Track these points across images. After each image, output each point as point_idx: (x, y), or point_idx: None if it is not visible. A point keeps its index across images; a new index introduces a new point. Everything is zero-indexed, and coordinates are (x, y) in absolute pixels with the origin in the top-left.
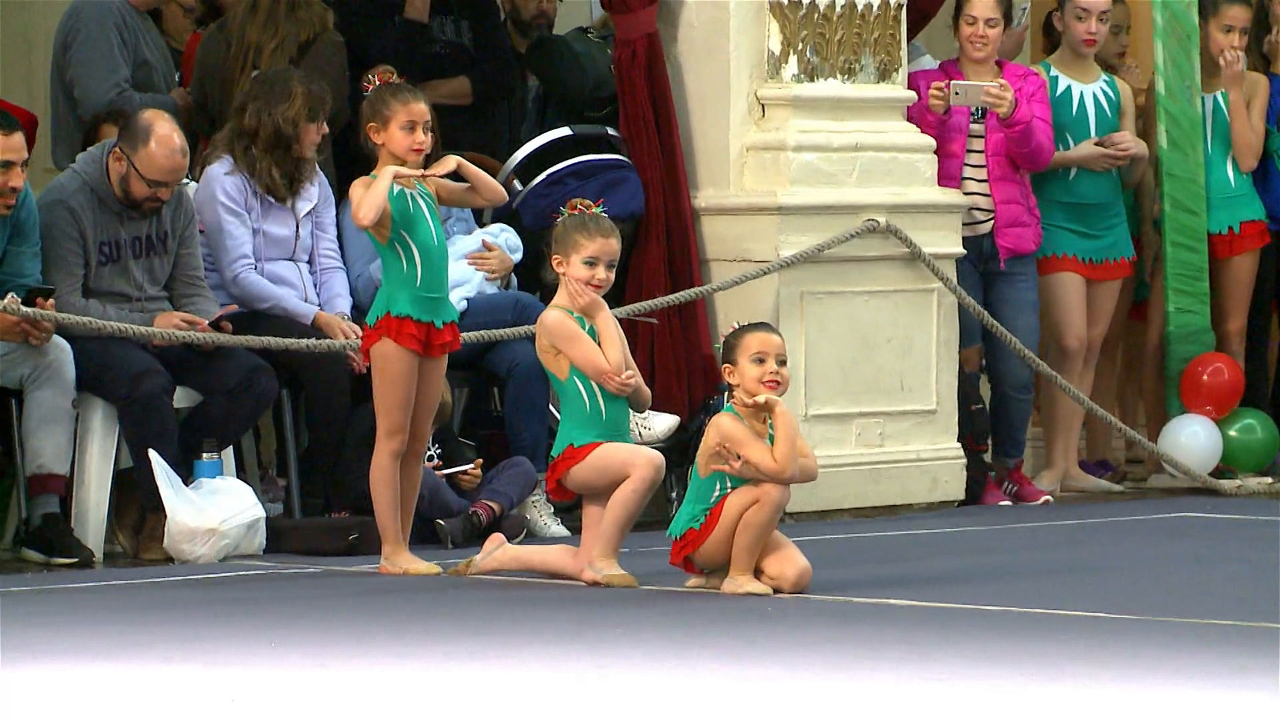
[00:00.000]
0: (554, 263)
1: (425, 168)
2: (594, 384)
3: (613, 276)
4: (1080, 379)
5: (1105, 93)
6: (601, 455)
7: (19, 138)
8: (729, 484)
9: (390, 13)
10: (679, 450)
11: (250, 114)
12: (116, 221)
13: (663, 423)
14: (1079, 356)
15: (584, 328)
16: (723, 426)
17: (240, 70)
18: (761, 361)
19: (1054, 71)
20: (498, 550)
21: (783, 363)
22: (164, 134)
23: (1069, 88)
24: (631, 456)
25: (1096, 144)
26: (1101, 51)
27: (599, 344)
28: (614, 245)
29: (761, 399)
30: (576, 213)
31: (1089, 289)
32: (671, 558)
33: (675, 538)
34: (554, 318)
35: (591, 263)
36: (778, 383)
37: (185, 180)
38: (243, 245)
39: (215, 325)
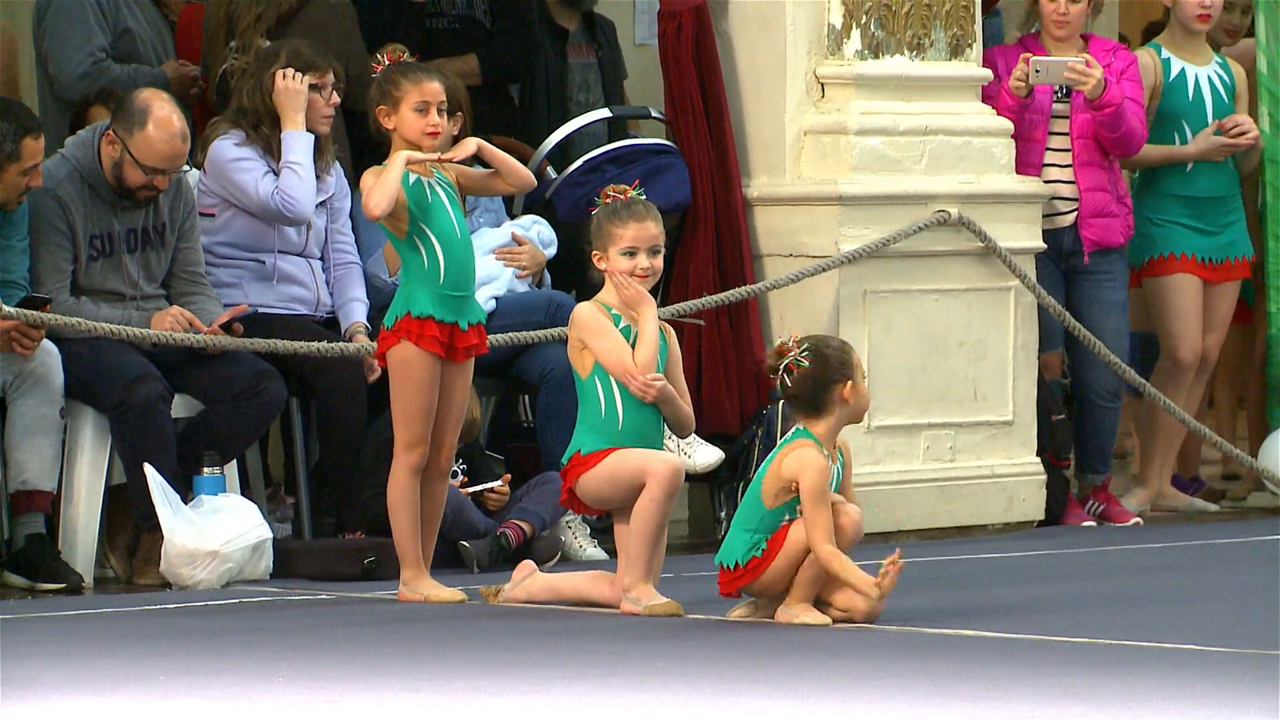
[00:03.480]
0: (595, 260)
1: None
2: (614, 387)
3: (659, 263)
4: (1189, 392)
5: (1220, 76)
6: (612, 463)
7: (42, 140)
8: (798, 511)
9: None
10: (727, 466)
11: (247, 92)
12: (109, 212)
13: (706, 455)
14: (1192, 369)
15: (618, 325)
16: (814, 478)
17: (223, 44)
18: (633, 255)
19: (1165, 53)
20: (528, 579)
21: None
22: (163, 116)
23: (1183, 71)
24: (645, 463)
25: (1213, 132)
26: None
27: (633, 344)
28: (652, 228)
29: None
30: (609, 201)
31: (1206, 292)
32: (723, 587)
33: (728, 566)
34: (585, 310)
35: (630, 252)
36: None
37: (185, 167)
38: (271, 178)
39: (226, 328)
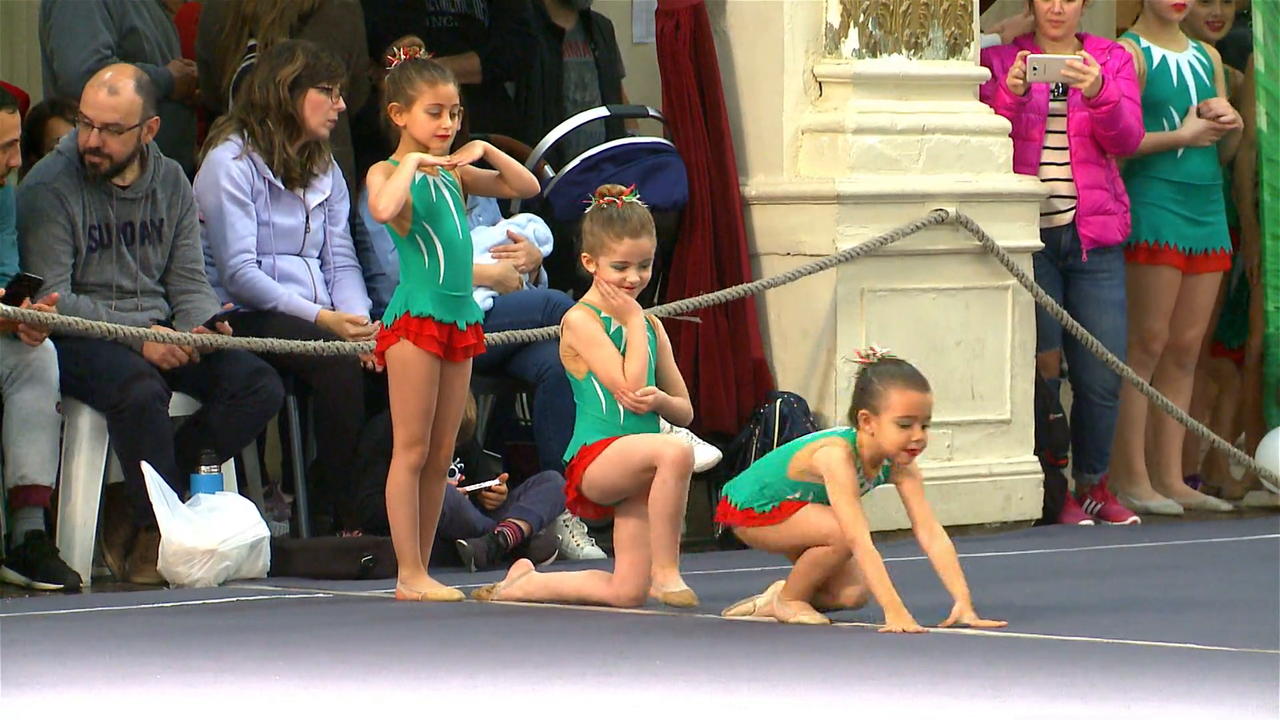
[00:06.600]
0: (584, 261)
1: (450, 153)
2: None
3: (648, 275)
4: (1177, 386)
5: (1199, 60)
6: (620, 449)
7: (17, 115)
8: (812, 495)
9: None
10: (725, 464)
11: (258, 85)
12: (105, 202)
13: (703, 455)
14: (1156, 360)
15: (609, 329)
16: (834, 468)
17: (236, 45)
18: (907, 427)
19: (1144, 43)
20: (523, 578)
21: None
22: (105, 72)
23: (1164, 58)
24: (655, 449)
25: (1198, 116)
26: (1192, 20)
27: (625, 350)
28: (645, 245)
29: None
30: (605, 203)
31: (1185, 284)
32: (720, 514)
33: (733, 503)
34: (578, 318)
35: (621, 266)
36: (916, 451)
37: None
38: (245, 238)
39: (212, 325)
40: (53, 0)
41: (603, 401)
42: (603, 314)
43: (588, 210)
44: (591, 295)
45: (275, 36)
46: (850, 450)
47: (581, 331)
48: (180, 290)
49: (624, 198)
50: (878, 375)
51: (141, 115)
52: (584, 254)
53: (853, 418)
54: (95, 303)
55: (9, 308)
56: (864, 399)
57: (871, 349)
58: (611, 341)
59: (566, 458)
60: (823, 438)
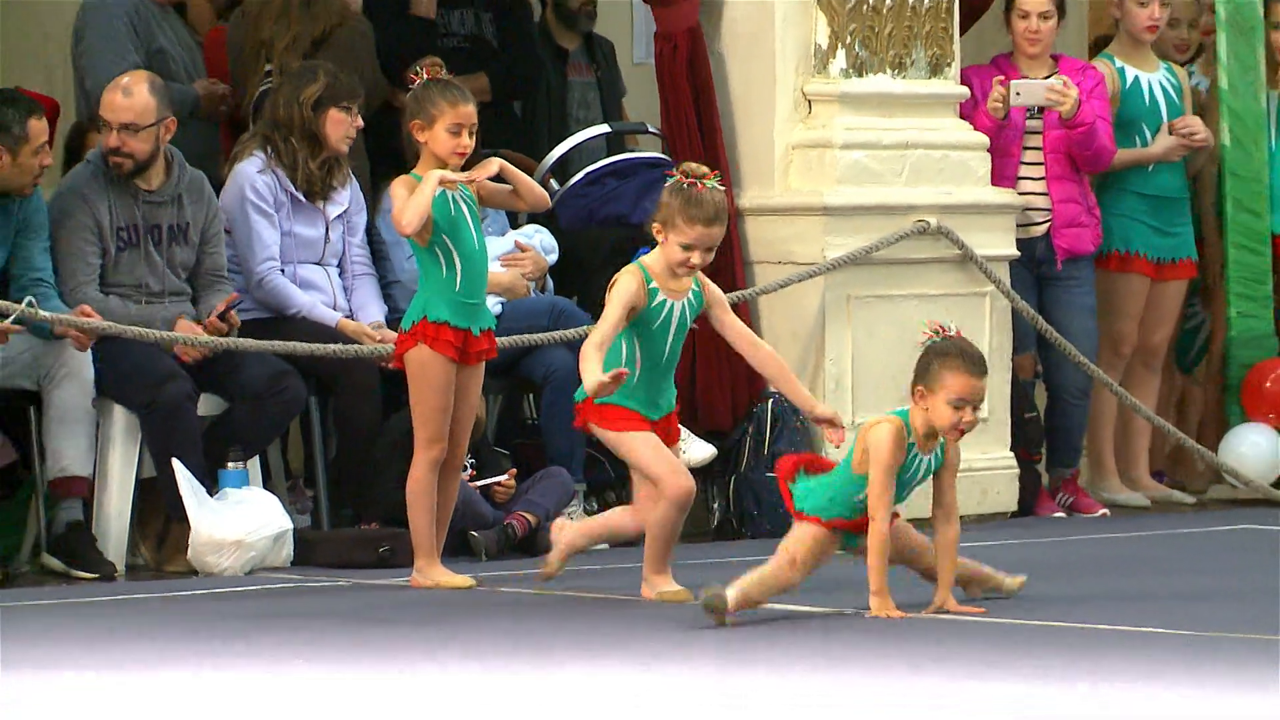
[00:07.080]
0: (654, 229)
1: (465, 169)
2: (636, 346)
3: (710, 258)
4: (1145, 386)
5: (1169, 80)
6: (637, 450)
7: (45, 120)
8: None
9: (400, 6)
10: (720, 461)
11: (282, 104)
12: (132, 205)
13: (700, 452)
14: (1124, 363)
15: (655, 298)
16: (880, 444)
17: (254, 67)
18: (959, 408)
19: (1119, 63)
20: (564, 534)
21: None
22: (122, 78)
23: (1137, 78)
24: (664, 474)
25: (1169, 133)
26: (1161, 44)
27: (657, 321)
28: (715, 233)
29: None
30: (688, 183)
31: (1153, 290)
32: (782, 470)
33: (796, 507)
34: (624, 280)
35: (688, 247)
36: (965, 430)
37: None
38: (271, 246)
39: (223, 316)
40: (83, 24)
41: (623, 355)
42: (652, 284)
43: (668, 183)
44: (652, 259)
45: (290, 61)
46: (901, 429)
47: (614, 291)
48: (204, 296)
49: (706, 182)
50: (938, 356)
51: (157, 114)
52: (656, 223)
53: (911, 392)
54: (126, 304)
55: (62, 316)
56: (922, 376)
57: (940, 326)
58: (621, 315)
59: (579, 397)
60: (873, 420)
